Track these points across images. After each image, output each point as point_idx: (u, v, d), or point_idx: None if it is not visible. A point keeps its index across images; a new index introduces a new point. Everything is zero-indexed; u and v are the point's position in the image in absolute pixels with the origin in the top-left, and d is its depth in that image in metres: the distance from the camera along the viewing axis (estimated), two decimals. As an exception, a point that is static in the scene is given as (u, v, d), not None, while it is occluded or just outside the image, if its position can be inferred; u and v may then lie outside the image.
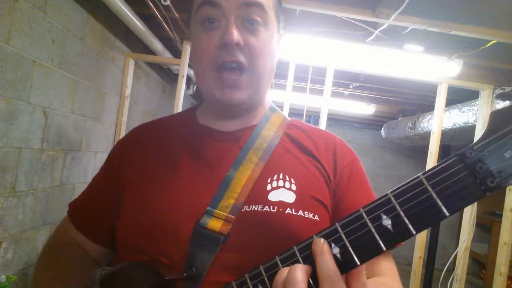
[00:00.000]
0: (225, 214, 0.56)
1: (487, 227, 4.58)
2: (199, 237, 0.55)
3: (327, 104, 2.50)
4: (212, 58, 0.60)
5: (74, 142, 1.94)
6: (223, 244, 0.55)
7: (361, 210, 0.39)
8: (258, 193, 0.58)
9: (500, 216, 2.40)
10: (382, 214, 0.37)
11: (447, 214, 0.35)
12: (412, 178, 0.37)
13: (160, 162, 0.64)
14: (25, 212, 1.57)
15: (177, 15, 2.01)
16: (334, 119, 5.37)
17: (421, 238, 2.53)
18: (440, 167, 0.36)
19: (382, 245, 0.37)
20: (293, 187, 0.59)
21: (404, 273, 3.08)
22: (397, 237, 0.37)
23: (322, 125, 2.45)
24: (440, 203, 0.35)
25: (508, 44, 1.92)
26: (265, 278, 0.45)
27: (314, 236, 0.43)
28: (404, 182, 0.37)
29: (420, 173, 0.37)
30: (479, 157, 0.34)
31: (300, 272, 0.40)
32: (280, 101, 2.56)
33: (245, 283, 0.47)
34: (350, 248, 0.38)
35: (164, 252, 0.56)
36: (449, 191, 0.35)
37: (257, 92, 0.64)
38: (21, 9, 1.37)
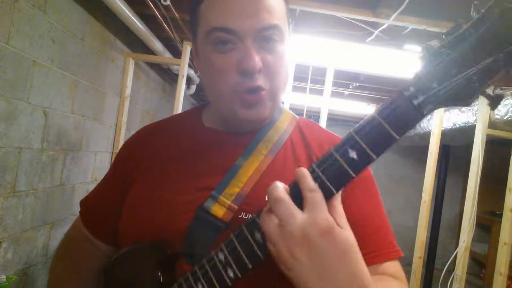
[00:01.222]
0: (229, 202, 0.57)
1: (487, 227, 4.58)
2: (200, 221, 0.56)
3: (327, 104, 2.50)
4: (232, 83, 0.57)
5: (74, 142, 1.94)
6: (220, 238, 0.55)
7: (331, 149, 0.46)
8: (258, 199, 0.58)
9: (500, 216, 2.39)
10: (348, 148, 0.45)
11: (397, 137, 0.43)
12: (368, 116, 0.45)
13: (166, 163, 0.65)
14: (25, 212, 1.57)
15: (177, 15, 2.01)
16: (334, 119, 5.36)
17: (421, 238, 2.53)
18: (387, 103, 0.44)
19: (351, 171, 0.45)
20: None
21: (404, 273, 3.08)
22: (361, 163, 0.44)
23: (322, 125, 2.45)
24: (391, 130, 0.44)
25: (508, 44, 1.92)
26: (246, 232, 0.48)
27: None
28: (362, 120, 0.46)
29: (374, 111, 0.45)
30: (414, 90, 0.43)
31: (278, 187, 0.45)
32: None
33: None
34: (326, 180, 0.45)
35: (166, 231, 0.57)
36: (396, 119, 0.43)
37: (277, 104, 0.63)
38: (21, 9, 1.37)
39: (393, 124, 0.43)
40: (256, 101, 0.58)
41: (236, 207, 0.57)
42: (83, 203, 0.76)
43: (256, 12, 0.55)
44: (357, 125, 0.46)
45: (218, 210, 0.56)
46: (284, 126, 0.67)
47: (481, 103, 2.52)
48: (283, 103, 2.41)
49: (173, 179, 0.62)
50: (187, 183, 0.61)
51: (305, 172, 0.45)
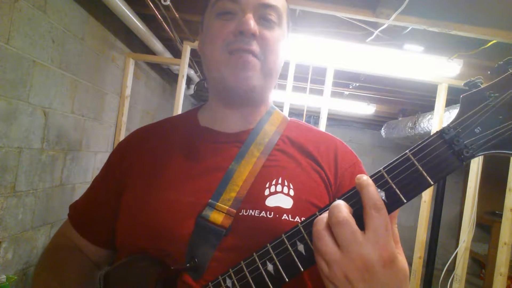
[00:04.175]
0: (227, 207, 0.57)
1: (487, 227, 4.58)
2: (201, 229, 0.56)
3: (327, 104, 2.50)
4: (226, 43, 0.61)
5: (74, 142, 1.94)
6: (222, 244, 0.55)
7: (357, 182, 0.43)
8: (256, 197, 0.59)
9: (500, 216, 2.40)
10: (376, 188, 0.42)
11: (432, 182, 0.40)
12: (400, 155, 0.42)
13: (161, 164, 0.65)
14: (25, 212, 1.57)
15: (177, 15, 2.01)
16: (334, 119, 5.36)
17: (421, 238, 2.53)
18: (424, 144, 0.41)
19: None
20: (291, 193, 0.59)
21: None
22: (391, 206, 0.41)
23: (322, 125, 2.45)
24: (425, 174, 0.40)
25: (508, 44, 1.92)
26: (273, 256, 0.47)
27: (317, 213, 0.45)
28: (394, 159, 0.42)
29: (407, 150, 0.42)
30: (455, 133, 0.40)
31: (340, 201, 0.42)
32: (280, 101, 2.56)
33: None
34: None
35: (165, 245, 0.56)
36: (432, 163, 0.40)
37: (265, 84, 0.65)
38: (21, 9, 1.37)
39: (430, 168, 0.40)
40: (245, 63, 0.60)
41: (235, 210, 0.57)
42: (73, 206, 0.74)
43: None
44: (388, 163, 0.42)
45: (217, 217, 0.56)
46: (274, 128, 0.68)
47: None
48: (282, 108, 2.42)
49: (171, 179, 0.62)
50: (186, 183, 0.61)
51: (369, 182, 0.42)
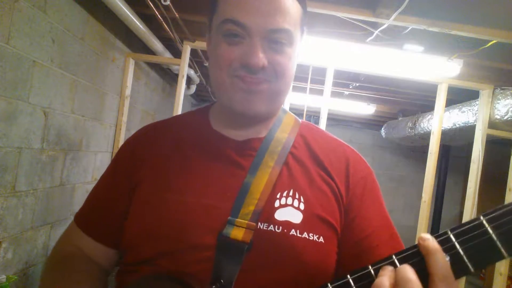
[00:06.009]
0: (246, 222, 0.55)
1: (487, 227, 4.57)
2: (223, 247, 0.54)
3: (327, 104, 2.50)
4: (232, 68, 0.58)
5: (74, 142, 1.94)
6: (245, 260, 0.54)
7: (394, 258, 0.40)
8: (265, 209, 0.57)
9: (500, 216, 2.39)
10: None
11: (506, 256, 0.35)
12: (472, 219, 0.37)
13: (175, 165, 0.63)
14: (25, 212, 1.57)
15: (177, 15, 2.01)
16: (334, 119, 5.36)
17: (421, 238, 2.53)
18: (502, 210, 0.36)
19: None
20: (301, 206, 0.58)
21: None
22: (455, 274, 0.37)
23: (322, 125, 2.45)
24: (499, 246, 0.35)
25: (508, 44, 1.92)
26: None
27: (370, 267, 0.43)
28: (464, 222, 0.38)
29: (481, 215, 0.37)
30: None
31: (411, 272, 0.39)
32: (280, 101, 2.56)
33: None
34: None
35: (187, 263, 0.54)
36: (509, 234, 0.35)
37: (276, 104, 0.64)
38: (21, 9, 1.37)
39: (505, 240, 0.35)
40: (255, 87, 0.58)
41: (254, 224, 0.55)
42: (79, 213, 0.71)
43: (270, 13, 0.56)
44: (457, 225, 0.39)
45: (238, 233, 0.55)
46: (285, 135, 0.66)
47: (481, 103, 2.52)
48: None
49: (186, 182, 0.60)
50: (200, 188, 0.59)
51: (436, 247, 0.38)
